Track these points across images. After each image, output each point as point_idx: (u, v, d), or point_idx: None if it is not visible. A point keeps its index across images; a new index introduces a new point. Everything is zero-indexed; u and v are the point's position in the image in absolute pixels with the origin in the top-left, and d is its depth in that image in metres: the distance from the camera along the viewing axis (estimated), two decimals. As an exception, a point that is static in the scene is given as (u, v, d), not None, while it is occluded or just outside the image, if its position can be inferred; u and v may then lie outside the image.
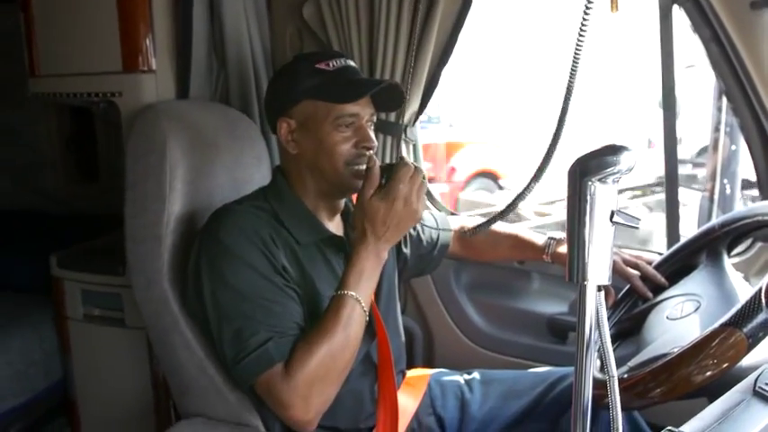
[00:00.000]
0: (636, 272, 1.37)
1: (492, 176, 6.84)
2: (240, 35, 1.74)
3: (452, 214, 1.85)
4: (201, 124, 1.48)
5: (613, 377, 0.73)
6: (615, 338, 1.32)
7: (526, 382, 1.43)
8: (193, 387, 1.32)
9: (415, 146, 1.89)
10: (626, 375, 0.98)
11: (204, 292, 1.18)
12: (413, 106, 1.74)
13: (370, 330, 1.29)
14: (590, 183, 0.71)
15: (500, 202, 5.51)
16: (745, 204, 2.27)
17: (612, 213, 0.72)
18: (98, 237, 2.03)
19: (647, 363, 1.00)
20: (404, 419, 1.34)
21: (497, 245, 1.60)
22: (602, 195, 0.72)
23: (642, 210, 5.95)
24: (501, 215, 1.30)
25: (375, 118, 1.30)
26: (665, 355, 0.95)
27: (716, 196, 2.27)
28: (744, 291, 1.11)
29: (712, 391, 0.90)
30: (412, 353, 1.84)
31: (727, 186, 2.23)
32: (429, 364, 1.84)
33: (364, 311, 1.16)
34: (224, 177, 1.47)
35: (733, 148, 2.19)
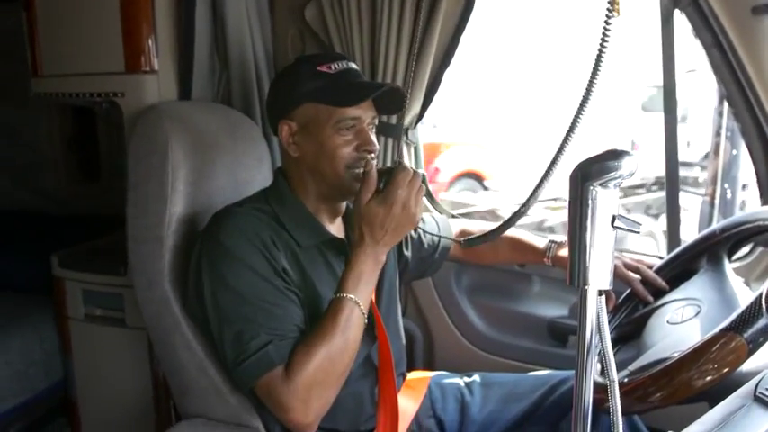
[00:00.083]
0: (637, 276, 1.37)
1: (476, 177, 6.88)
2: (242, 36, 1.74)
3: (453, 217, 1.86)
4: (203, 125, 1.48)
5: (614, 381, 0.73)
6: (616, 342, 1.32)
7: (526, 386, 1.43)
8: (194, 388, 1.32)
9: (416, 148, 1.89)
10: (626, 380, 0.98)
11: (205, 293, 1.18)
12: (414, 109, 1.74)
13: (371, 333, 1.29)
14: (591, 187, 0.71)
15: (481, 202, 5.53)
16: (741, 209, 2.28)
17: (614, 218, 0.72)
18: (99, 237, 2.03)
19: (647, 367, 1.00)
20: (404, 422, 1.34)
21: (498, 248, 1.60)
22: (604, 200, 0.72)
23: (620, 211, 5.98)
24: (497, 231, 1.29)
25: (377, 121, 1.30)
26: (665, 360, 0.95)
27: (716, 201, 2.27)
28: (744, 295, 1.11)
29: (713, 395, 0.90)
30: (412, 355, 1.84)
31: (728, 191, 2.23)
32: (429, 366, 1.84)
33: (363, 314, 1.16)
34: (225, 179, 1.47)
35: (734, 152, 2.19)
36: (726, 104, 1.95)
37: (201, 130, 1.46)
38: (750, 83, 1.45)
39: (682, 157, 1.60)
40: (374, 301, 1.30)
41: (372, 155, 1.24)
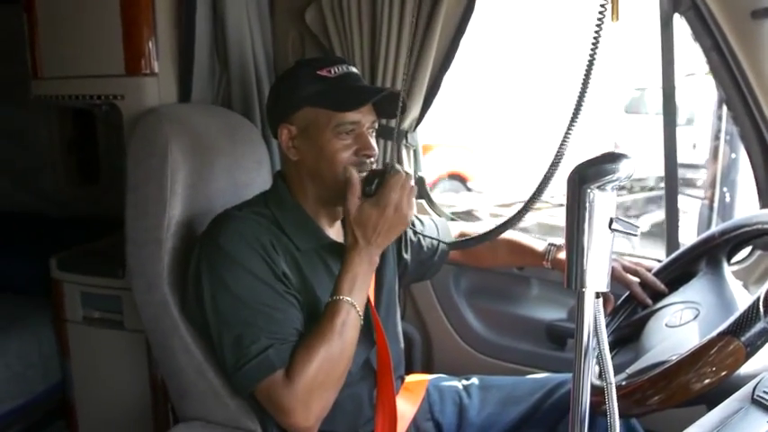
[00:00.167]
0: (635, 278, 1.37)
1: (460, 179, 6.91)
2: (242, 39, 1.74)
3: (452, 220, 1.86)
4: (203, 128, 1.49)
5: (611, 384, 0.73)
6: (614, 345, 1.32)
7: (524, 389, 1.43)
8: (192, 391, 1.32)
9: (415, 151, 1.89)
10: (624, 383, 0.98)
11: (204, 298, 1.18)
12: (414, 112, 1.74)
13: (370, 336, 1.30)
14: (589, 190, 0.71)
15: (461, 203, 5.55)
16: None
17: (611, 221, 0.72)
18: (99, 239, 2.03)
19: (645, 370, 1.00)
20: (402, 425, 1.34)
21: (497, 251, 1.60)
22: (601, 203, 0.72)
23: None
24: (487, 236, 1.28)
25: (377, 125, 1.30)
26: (663, 363, 0.95)
27: (715, 204, 2.27)
28: (743, 299, 1.11)
29: (711, 398, 0.90)
30: (411, 358, 1.84)
31: (727, 194, 2.23)
32: (428, 369, 1.84)
33: (359, 316, 1.17)
34: (225, 181, 1.47)
35: (733, 156, 2.19)
36: (725, 108, 1.95)
37: (201, 133, 1.46)
38: (749, 87, 1.45)
39: (688, 160, 1.61)
40: (373, 304, 1.31)
41: (372, 159, 1.24)
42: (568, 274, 0.74)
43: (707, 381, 0.88)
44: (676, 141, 1.65)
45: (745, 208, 2.24)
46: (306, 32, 1.83)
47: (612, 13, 1.25)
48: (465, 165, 6.92)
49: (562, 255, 1.47)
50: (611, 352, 1.29)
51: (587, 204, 0.71)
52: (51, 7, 1.69)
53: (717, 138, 2.20)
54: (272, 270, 1.17)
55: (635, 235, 0.73)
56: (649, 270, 1.38)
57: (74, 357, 1.85)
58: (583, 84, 0.79)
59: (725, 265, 1.24)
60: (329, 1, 1.72)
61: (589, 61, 0.78)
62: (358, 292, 1.17)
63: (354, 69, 1.28)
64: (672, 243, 1.68)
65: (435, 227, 1.59)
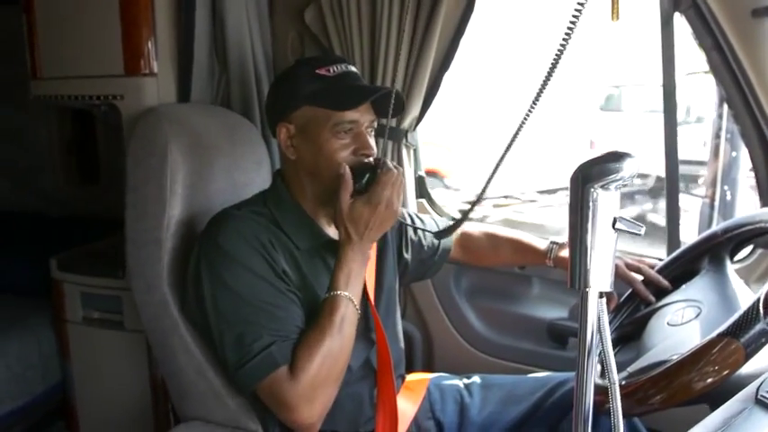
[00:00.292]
0: (638, 276, 1.37)
1: (437, 176, 6.96)
2: (242, 38, 1.74)
3: (453, 219, 1.85)
4: (202, 128, 1.48)
5: (615, 384, 0.73)
6: (617, 342, 1.32)
7: (526, 387, 1.43)
8: (192, 391, 1.32)
9: (415, 150, 1.89)
10: (624, 382, 0.98)
11: (205, 297, 1.18)
12: (413, 111, 1.74)
13: (370, 335, 1.29)
14: (592, 189, 0.71)
15: (439, 200, 5.60)
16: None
17: (615, 220, 0.72)
18: (99, 239, 2.03)
19: (646, 369, 1.00)
20: (403, 424, 1.34)
21: (499, 249, 1.60)
22: (605, 202, 0.71)
23: (565, 208, 6.08)
24: (461, 221, 1.30)
25: (376, 124, 1.29)
26: (664, 362, 0.95)
27: (716, 202, 2.26)
28: (745, 297, 1.11)
29: (713, 397, 0.90)
30: (411, 357, 1.84)
31: (728, 193, 2.23)
32: (429, 368, 1.84)
33: (357, 310, 1.18)
34: (224, 181, 1.47)
35: (733, 154, 2.19)
36: (725, 106, 1.95)
37: (200, 133, 1.46)
38: (750, 85, 1.45)
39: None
40: (373, 303, 1.31)
41: (370, 158, 1.24)
42: (572, 273, 0.74)
43: (707, 381, 0.88)
44: (677, 140, 1.64)
45: (746, 206, 2.24)
46: (305, 32, 1.83)
47: (612, 13, 1.25)
48: (442, 162, 6.98)
49: (564, 253, 1.47)
50: (613, 350, 1.28)
51: (591, 204, 0.71)
52: (50, 8, 1.69)
53: (717, 136, 2.19)
54: (272, 268, 1.17)
55: (639, 234, 0.73)
56: (652, 267, 1.38)
57: (74, 358, 1.86)
58: (545, 79, 0.78)
59: (728, 263, 1.24)
60: (329, 1, 1.72)
61: (555, 57, 0.77)
62: (354, 286, 1.18)
63: (353, 68, 1.28)
64: (673, 242, 1.68)
65: (436, 226, 1.58)
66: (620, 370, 1.03)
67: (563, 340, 1.75)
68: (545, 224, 5.46)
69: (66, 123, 2.72)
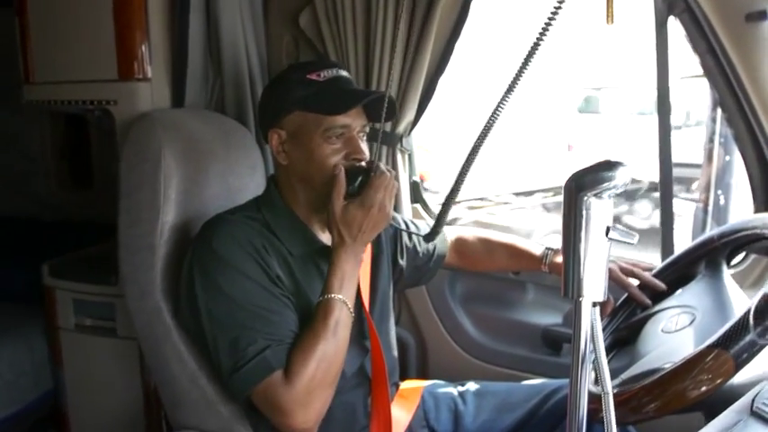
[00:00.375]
0: (634, 280, 1.37)
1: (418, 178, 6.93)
2: (236, 43, 1.73)
3: (448, 224, 1.85)
4: (196, 133, 1.48)
5: (608, 394, 0.73)
6: (612, 347, 1.32)
7: (520, 395, 1.42)
8: (185, 399, 1.31)
9: (410, 155, 1.89)
10: (618, 390, 0.98)
11: (198, 302, 1.17)
12: (408, 116, 1.74)
13: (364, 342, 1.29)
14: (586, 198, 0.71)
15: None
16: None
17: (608, 229, 0.72)
18: (92, 244, 2.02)
19: (639, 377, 1.00)
20: (397, 432, 1.33)
21: (494, 254, 1.60)
22: (598, 210, 0.71)
23: (539, 210, 6.15)
24: (443, 217, 1.30)
25: (368, 129, 1.29)
26: (656, 371, 0.96)
27: (710, 207, 2.26)
28: (740, 304, 1.11)
29: (708, 405, 0.90)
30: (406, 363, 1.84)
31: (722, 197, 2.23)
32: (423, 374, 1.83)
33: (351, 313, 1.18)
34: (219, 187, 1.46)
35: (727, 158, 2.19)
36: (719, 110, 1.95)
37: (195, 138, 1.45)
38: (744, 89, 1.45)
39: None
40: (367, 310, 1.30)
41: (362, 163, 1.24)
42: (565, 282, 0.73)
43: (701, 389, 0.88)
44: (671, 144, 1.64)
45: (740, 211, 2.24)
46: (300, 36, 1.82)
47: (607, 17, 1.25)
48: (422, 165, 6.98)
49: (559, 258, 1.47)
50: (608, 354, 1.29)
51: (584, 212, 0.71)
52: (43, 11, 1.68)
53: (711, 140, 2.20)
54: (265, 273, 1.17)
55: (632, 243, 0.73)
56: (648, 270, 1.38)
57: (66, 365, 1.84)
58: (513, 78, 0.78)
59: (724, 268, 1.24)
60: (323, 5, 1.71)
61: (526, 56, 0.77)
62: (347, 289, 1.18)
63: (345, 73, 1.28)
64: (667, 247, 1.68)
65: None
66: (613, 377, 1.03)
67: (557, 346, 1.74)
68: (514, 226, 5.48)
69: (60, 128, 2.71)
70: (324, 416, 1.15)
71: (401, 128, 1.75)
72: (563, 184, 0.73)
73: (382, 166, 1.22)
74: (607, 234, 0.72)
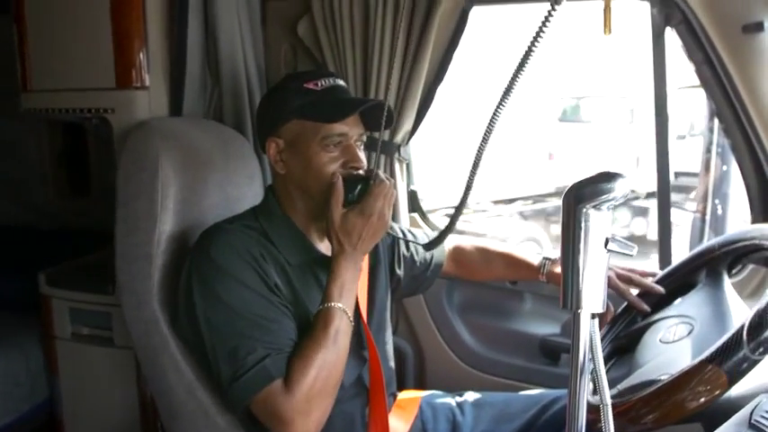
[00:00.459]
0: (632, 288, 1.37)
1: None
2: (234, 51, 1.74)
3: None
4: (194, 142, 1.47)
5: (607, 406, 0.73)
6: (612, 355, 1.32)
7: (518, 405, 1.42)
8: (182, 410, 1.30)
9: (408, 165, 1.89)
10: (615, 400, 0.98)
11: (197, 310, 1.17)
12: (406, 125, 1.74)
13: (362, 352, 1.28)
14: (584, 209, 0.71)
15: None
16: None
17: (607, 240, 0.72)
18: (89, 253, 2.01)
19: (636, 388, 1.01)
20: (395, 443, 1.32)
21: (491, 263, 1.59)
22: (597, 222, 0.71)
23: (515, 218, 6.18)
24: (449, 229, 1.29)
25: (365, 138, 1.29)
26: (653, 382, 0.96)
27: (708, 216, 2.27)
28: (739, 314, 1.11)
29: (707, 416, 0.90)
30: (404, 373, 1.83)
31: (719, 207, 2.24)
32: (421, 384, 1.83)
33: (350, 321, 1.17)
34: (216, 196, 1.46)
35: (724, 168, 2.20)
36: (716, 120, 1.96)
37: (193, 147, 1.45)
38: (741, 100, 1.46)
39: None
40: (365, 321, 1.30)
41: (360, 171, 1.24)
42: (564, 293, 0.73)
43: (696, 403, 0.89)
44: (668, 154, 1.65)
45: (737, 220, 2.24)
46: (298, 45, 1.83)
47: (605, 27, 1.26)
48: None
49: (557, 268, 1.47)
50: (607, 362, 1.29)
51: (583, 224, 0.71)
52: (41, 19, 1.68)
53: (708, 150, 2.21)
54: (264, 281, 1.16)
55: (630, 255, 0.73)
56: (648, 276, 1.38)
57: (62, 375, 1.83)
58: (506, 88, 0.78)
59: (725, 277, 1.24)
60: (321, 14, 1.72)
61: (517, 67, 0.77)
62: (347, 297, 1.18)
63: (341, 82, 1.29)
64: (665, 256, 1.68)
65: (428, 240, 1.58)
66: (611, 386, 1.03)
67: (555, 356, 1.74)
68: (489, 234, 5.52)
69: (58, 136, 2.70)
70: (323, 425, 1.14)
71: (399, 137, 1.75)
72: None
73: (381, 174, 1.22)
74: (606, 246, 0.72)
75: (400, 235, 1.53)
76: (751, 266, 1.55)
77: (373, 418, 1.28)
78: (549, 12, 0.70)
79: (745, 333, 0.87)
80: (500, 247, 1.62)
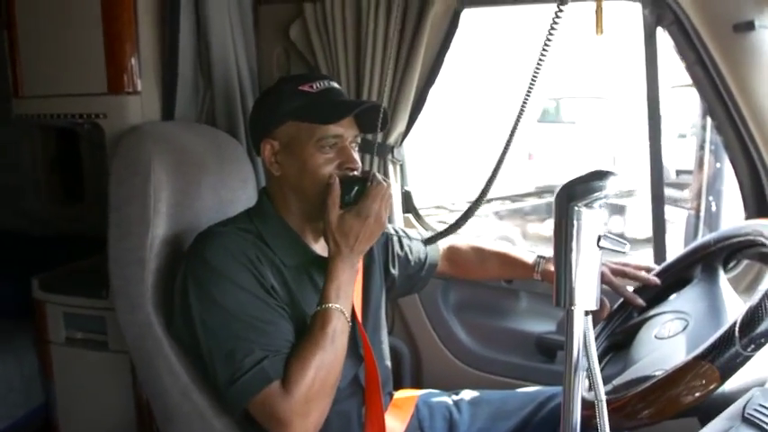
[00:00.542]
0: (627, 281, 1.37)
1: None
2: (227, 55, 1.73)
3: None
4: (187, 146, 1.47)
5: (602, 402, 0.73)
6: (607, 351, 1.32)
7: (515, 403, 1.42)
8: (177, 413, 1.30)
9: (402, 166, 1.89)
10: (610, 396, 0.99)
11: (192, 312, 1.17)
12: (399, 127, 1.74)
13: (358, 352, 1.28)
14: (576, 207, 0.71)
15: None
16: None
17: (599, 238, 0.72)
18: (83, 258, 2.00)
19: (631, 383, 1.01)
20: (391, 442, 1.32)
21: (486, 262, 1.60)
22: (589, 220, 0.72)
23: (492, 218, 6.24)
24: (456, 225, 1.29)
25: (359, 139, 1.30)
26: (648, 378, 0.97)
27: (702, 213, 2.28)
28: (734, 309, 1.11)
29: (703, 410, 0.91)
30: (400, 373, 1.83)
31: (713, 204, 2.24)
32: (417, 383, 1.83)
33: (348, 322, 1.18)
34: (210, 200, 1.46)
35: (718, 165, 2.21)
36: (709, 119, 1.97)
37: (185, 151, 1.45)
38: (733, 99, 1.46)
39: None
40: (360, 320, 1.30)
41: (355, 172, 1.24)
42: (557, 291, 0.74)
43: (691, 397, 0.89)
44: (662, 152, 1.66)
45: (731, 217, 2.25)
46: (291, 48, 1.83)
47: (597, 27, 1.26)
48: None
49: (552, 266, 1.47)
50: (603, 358, 1.30)
51: (575, 222, 0.71)
52: (32, 24, 1.67)
53: (702, 148, 2.22)
54: (260, 283, 1.16)
55: (623, 252, 0.73)
56: (641, 269, 1.39)
57: (57, 380, 1.82)
58: (527, 91, 0.79)
59: (720, 273, 1.24)
60: (314, 17, 1.72)
61: (535, 70, 0.77)
62: (344, 298, 1.18)
63: (336, 85, 1.29)
64: (659, 252, 1.68)
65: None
66: (605, 383, 1.03)
67: (552, 354, 1.74)
68: (461, 233, 5.54)
69: (51, 141, 2.69)
70: (321, 426, 1.14)
71: (392, 139, 1.75)
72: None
73: (379, 176, 1.22)
74: (598, 243, 0.72)
75: (395, 234, 1.53)
76: (746, 262, 1.56)
77: (370, 417, 1.28)
78: (556, 13, 0.71)
79: (737, 330, 0.87)
80: (494, 246, 1.62)
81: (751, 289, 1.53)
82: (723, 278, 1.23)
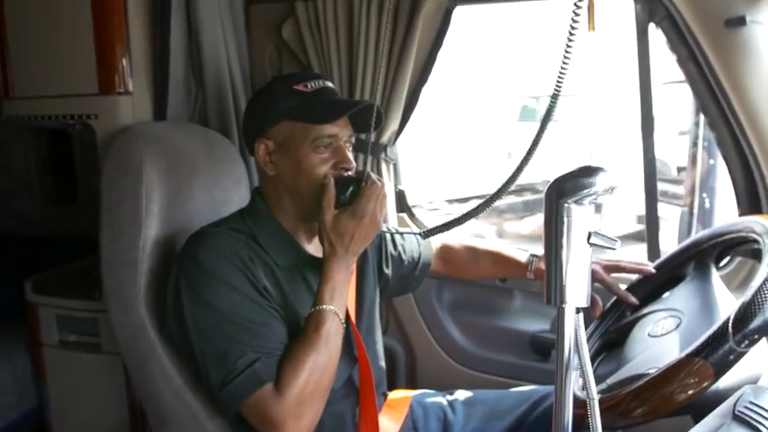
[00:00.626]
0: (621, 276, 1.37)
1: None
2: (218, 55, 1.73)
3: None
4: (179, 146, 1.47)
5: (594, 400, 0.73)
6: (601, 350, 1.32)
7: (509, 402, 1.42)
8: (170, 414, 1.30)
9: (395, 165, 1.89)
10: (604, 395, 0.99)
11: (185, 316, 1.16)
12: (392, 126, 1.74)
13: (352, 353, 1.28)
14: (566, 204, 0.71)
15: None
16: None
17: (589, 235, 0.72)
18: (76, 259, 1.99)
19: (624, 382, 1.01)
20: (386, 442, 1.32)
21: (479, 261, 1.60)
22: (579, 217, 0.71)
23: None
24: (459, 221, 1.28)
25: (354, 139, 1.29)
26: (641, 376, 0.97)
27: (695, 210, 2.28)
28: (727, 307, 1.11)
29: (696, 408, 0.90)
30: (394, 373, 1.83)
31: (706, 200, 2.25)
32: (412, 383, 1.83)
33: (342, 324, 1.17)
34: (202, 200, 1.45)
35: (711, 162, 2.21)
36: (702, 115, 1.97)
37: (177, 151, 1.44)
38: (725, 95, 1.46)
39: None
40: (354, 321, 1.29)
41: (350, 172, 1.24)
42: (548, 288, 0.73)
43: (684, 395, 0.89)
44: (654, 149, 1.66)
45: (725, 213, 2.26)
46: (283, 47, 1.82)
47: (589, 24, 1.26)
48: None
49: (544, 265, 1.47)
50: (597, 357, 1.30)
51: (565, 219, 0.71)
52: (23, 25, 1.66)
53: (695, 144, 2.22)
54: (252, 284, 1.16)
55: (613, 249, 0.73)
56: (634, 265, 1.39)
57: (50, 382, 1.81)
58: (554, 94, 0.79)
59: (713, 270, 1.24)
60: (306, 16, 1.72)
61: (560, 73, 0.77)
62: (338, 300, 1.17)
63: (330, 84, 1.29)
64: (653, 249, 1.68)
65: (416, 240, 1.58)
66: (599, 382, 1.03)
67: (546, 353, 1.74)
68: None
69: (43, 143, 2.67)
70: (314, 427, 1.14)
71: (385, 138, 1.75)
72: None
73: (373, 176, 1.22)
74: (588, 240, 0.72)
75: (388, 234, 1.53)
76: (739, 259, 1.56)
77: (363, 418, 1.27)
78: (574, 12, 0.71)
79: (730, 326, 0.87)
80: (488, 244, 1.62)
81: (744, 286, 1.53)
82: (716, 275, 1.23)
